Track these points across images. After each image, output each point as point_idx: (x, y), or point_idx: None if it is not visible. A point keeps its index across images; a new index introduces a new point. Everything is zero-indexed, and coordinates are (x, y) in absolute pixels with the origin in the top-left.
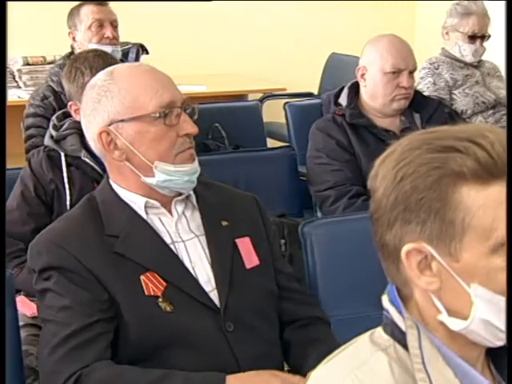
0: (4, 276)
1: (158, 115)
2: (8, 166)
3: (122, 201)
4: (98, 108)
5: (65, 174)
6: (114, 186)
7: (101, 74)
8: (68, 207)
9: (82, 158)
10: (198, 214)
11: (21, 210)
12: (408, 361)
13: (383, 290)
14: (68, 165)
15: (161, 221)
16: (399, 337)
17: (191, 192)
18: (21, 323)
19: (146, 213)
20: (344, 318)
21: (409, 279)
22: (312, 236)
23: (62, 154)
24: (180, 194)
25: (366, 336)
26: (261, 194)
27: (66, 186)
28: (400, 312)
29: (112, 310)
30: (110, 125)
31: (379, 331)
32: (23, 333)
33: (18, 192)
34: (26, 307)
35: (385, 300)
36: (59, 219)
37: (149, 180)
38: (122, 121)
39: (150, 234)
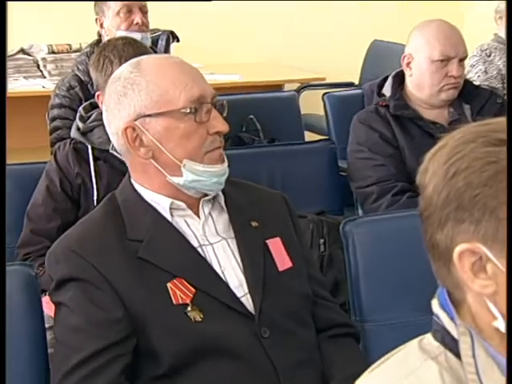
0: (4, 275)
1: (188, 111)
2: (33, 160)
3: (145, 201)
4: (123, 101)
5: (92, 168)
6: (136, 186)
7: (126, 66)
8: (95, 203)
9: (110, 150)
10: (225, 216)
11: (46, 206)
12: (460, 370)
13: (432, 293)
14: (95, 158)
15: (187, 223)
16: (451, 344)
17: (219, 192)
18: (46, 325)
19: (171, 215)
20: (388, 324)
21: (461, 282)
22: (354, 235)
23: (89, 147)
24: (206, 195)
25: (414, 343)
26: (298, 190)
27: (93, 180)
28: (451, 318)
29: (129, 327)
30: (135, 120)
31: (428, 338)
32: (49, 335)
33: (44, 187)
34: (51, 308)
35: (435, 304)
36: (78, 223)
37: (175, 180)
38: (150, 116)
39: (176, 237)
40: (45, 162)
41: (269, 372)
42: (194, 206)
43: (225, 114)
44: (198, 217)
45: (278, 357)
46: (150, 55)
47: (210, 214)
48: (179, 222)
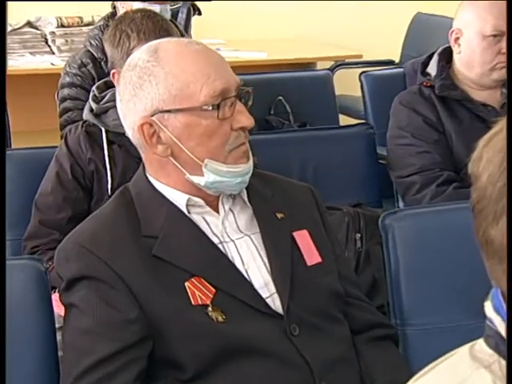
0: (4, 274)
1: (210, 107)
2: (41, 144)
3: (161, 195)
4: (139, 94)
5: (106, 153)
6: (152, 179)
7: (143, 53)
8: (109, 191)
9: (126, 134)
10: (248, 211)
11: (56, 195)
12: None
13: (484, 295)
14: (110, 142)
15: (205, 220)
16: (505, 351)
17: None
18: (57, 325)
19: (188, 211)
20: (433, 328)
21: None
22: (394, 229)
23: (103, 130)
24: None
25: (464, 350)
26: (332, 179)
27: (108, 166)
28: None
29: (145, 329)
30: (153, 115)
31: (480, 344)
32: (59, 336)
33: (53, 173)
34: (61, 306)
35: (488, 307)
36: (89, 218)
37: (195, 179)
38: (168, 111)
39: (194, 232)
40: (54, 147)
41: (303, 369)
42: (213, 203)
43: (250, 103)
44: (218, 213)
45: (311, 354)
46: (169, 39)
47: (230, 209)
48: (197, 220)
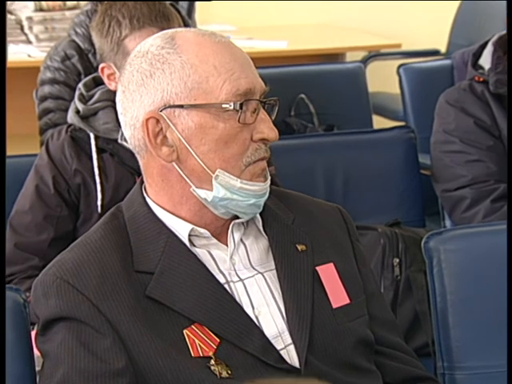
0: (4, 280)
1: (230, 107)
2: (17, 152)
3: (159, 220)
4: (148, 84)
5: (95, 163)
6: (149, 201)
7: (157, 39)
8: (99, 209)
9: (120, 140)
10: (263, 242)
11: (35, 213)
12: None
13: None
14: (100, 150)
15: (210, 254)
16: None
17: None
18: (37, 368)
19: (191, 243)
20: (488, 373)
21: None
22: (440, 253)
23: (92, 136)
24: (238, 217)
25: None
26: (364, 193)
27: (97, 179)
28: None
29: (133, 383)
30: (161, 110)
31: None
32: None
33: (32, 188)
34: None
35: None
36: (73, 246)
37: (202, 193)
38: (181, 107)
39: (197, 269)
40: (33, 155)
41: None
42: (221, 231)
43: (274, 116)
44: (226, 245)
45: None
46: (187, 29)
47: (241, 240)
48: (201, 254)
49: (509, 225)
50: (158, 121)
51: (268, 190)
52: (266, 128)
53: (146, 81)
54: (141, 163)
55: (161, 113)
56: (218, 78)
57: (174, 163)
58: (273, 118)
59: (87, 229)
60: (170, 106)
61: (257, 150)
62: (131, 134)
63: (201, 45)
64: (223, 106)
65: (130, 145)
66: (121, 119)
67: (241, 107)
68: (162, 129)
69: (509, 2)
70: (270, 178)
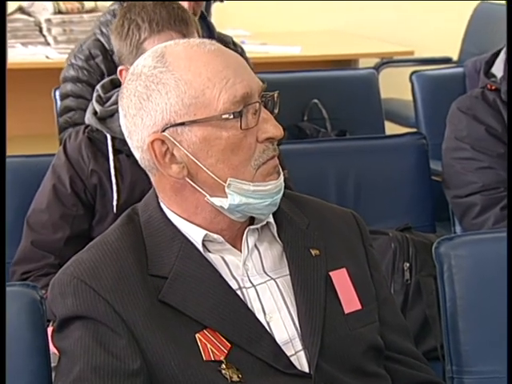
0: (4, 280)
1: (231, 116)
2: (35, 151)
3: (173, 225)
4: (147, 106)
5: (111, 164)
6: (164, 207)
7: (148, 58)
8: (114, 209)
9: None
10: (277, 248)
11: (52, 212)
12: None
13: None
14: (116, 151)
15: (224, 260)
16: None
17: (270, 218)
18: (52, 365)
19: (205, 248)
20: (497, 378)
21: None
22: (451, 259)
23: (109, 137)
24: (253, 220)
25: None
26: (376, 198)
27: (113, 179)
28: None
29: (148, 382)
30: (164, 130)
31: None
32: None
33: (49, 187)
34: None
35: None
36: (91, 246)
37: (217, 202)
38: (182, 124)
39: (210, 275)
40: (51, 155)
41: None
42: (235, 237)
43: (276, 111)
44: (240, 251)
45: None
46: (177, 41)
47: (255, 246)
48: (214, 260)
49: (509, 230)
50: (162, 141)
51: (282, 185)
52: (270, 126)
53: (144, 104)
54: (152, 180)
55: (164, 133)
56: (214, 89)
57: (186, 179)
58: (276, 111)
59: (102, 228)
60: (172, 125)
61: (264, 151)
62: (140, 155)
63: (192, 58)
64: (223, 116)
65: (141, 164)
66: (128, 142)
67: (240, 114)
68: (168, 148)
69: (508, 2)
70: (281, 172)
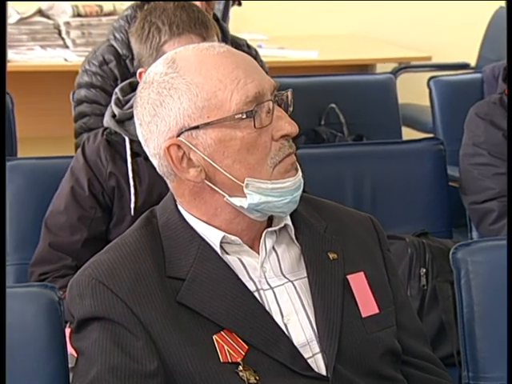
0: (4, 278)
1: (244, 116)
2: (53, 153)
3: (191, 228)
4: (160, 112)
5: (129, 167)
6: (182, 210)
7: (159, 65)
8: (132, 212)
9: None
10: (295, 250)
11: (70, 214)
12: None
13: None
14: (134, 154)
15: (241, 262)
16: None
17: (288, 221)
18: (70, 365)
19: (222, 249)
20: None
21: None
22: (468, 265)
23: (127, 140)
24: (271, 221)
25: None
26: (393, 203)
27: (131, 182)
28: None
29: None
30: (179, 135)
31: None
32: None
33: (67, 189)
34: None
35: None
36: (109, 248)
37: (237, 202)
38: (197, 128)
39: (227, 277)
40: (69, 157)
41: None
42: (253, 239)
43: (291, 109)
44: (258, 253)
45: None
46: (187, 46)
47: (273, 248)
48: (232, 262)
49: (509, 237)
50: (179, 146)
51: (301, 181)
52: (285, 123)
53: (157, 110)
54: (171, 187)
55: (179, 138)
56: (226, 91)
57: (205, 181)
58: (291, 109)
59: (120, 230)
60: (187, 129)
61: (280, 149)
62: (158, 162)
63: (202, 61)
64: (236, 117)
65: (159, 171)
66: (145, 150)
67: (253, 113)
68: (184, 153)
69: (508, 2)
70: (300, 170)
